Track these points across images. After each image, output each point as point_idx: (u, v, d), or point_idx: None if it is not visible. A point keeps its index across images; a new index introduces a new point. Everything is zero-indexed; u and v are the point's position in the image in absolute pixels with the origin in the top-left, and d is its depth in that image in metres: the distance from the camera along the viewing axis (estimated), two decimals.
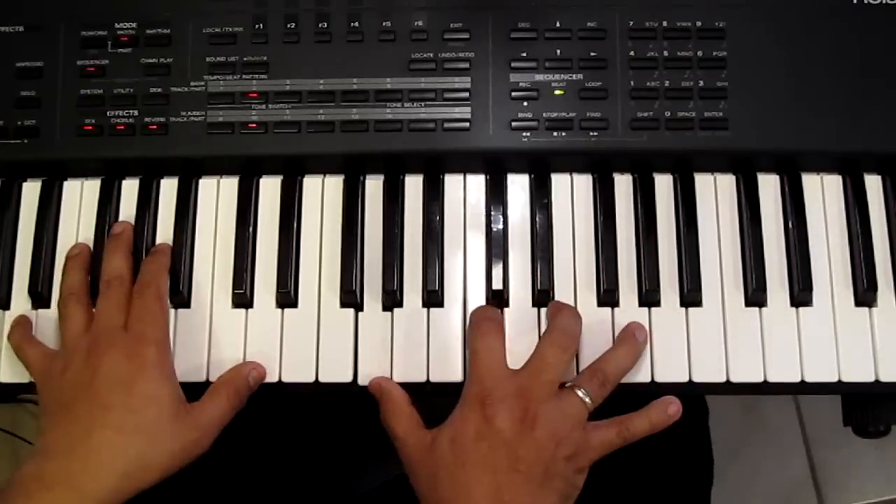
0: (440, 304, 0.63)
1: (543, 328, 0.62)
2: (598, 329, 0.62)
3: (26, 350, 0.61)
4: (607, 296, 0.62)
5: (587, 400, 0.57)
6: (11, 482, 0.54)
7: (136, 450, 0.55)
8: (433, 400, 0.60)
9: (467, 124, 0.63)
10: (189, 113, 0.64)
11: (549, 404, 0.56)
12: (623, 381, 0.60)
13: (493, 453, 0.54)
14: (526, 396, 0.55)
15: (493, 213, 0.64)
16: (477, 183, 0.65)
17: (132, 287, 0.61)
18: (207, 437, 0.58)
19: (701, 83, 0.63)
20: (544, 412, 0.55)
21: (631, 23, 0.63)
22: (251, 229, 0.64)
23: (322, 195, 0.65)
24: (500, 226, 0.64)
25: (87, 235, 0.65)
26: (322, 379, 0.62)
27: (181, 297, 0.63)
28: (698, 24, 0.63)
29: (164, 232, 0.65)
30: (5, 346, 0.63)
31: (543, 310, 0.62)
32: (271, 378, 0.62)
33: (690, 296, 0.62)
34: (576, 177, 0.65)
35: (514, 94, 0.63)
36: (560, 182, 0.65)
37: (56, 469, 0.54)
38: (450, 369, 0.62)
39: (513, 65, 0.63)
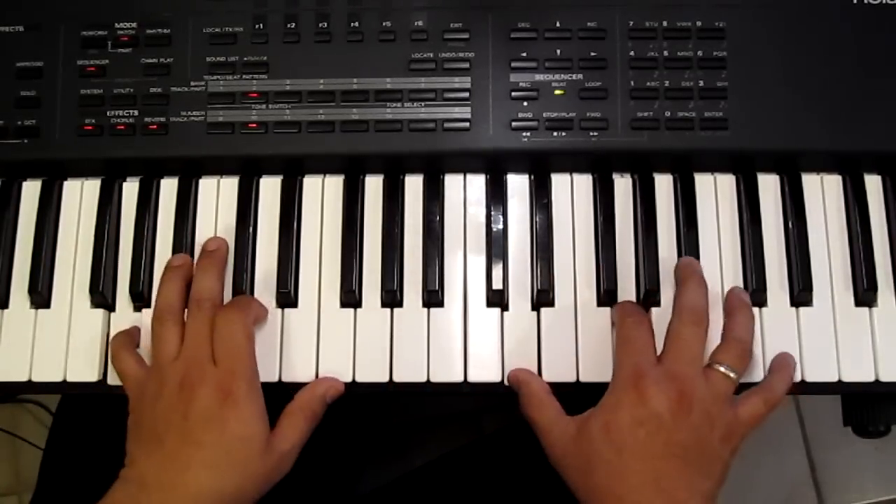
0: (440, 304, 0.63)
1: (543, 328, 0.62)
2: (596, 329, 0.62)
3: (123, 360, 0.60)
4: (607, 296, 0.62)
5: (732, 375, 0.56)
6: None
7: (230, 485, 0.55)
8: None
9: (467, 124, 0.63)
10: (189, 113, 0.64)
11: (701, 385, 0.55)
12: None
13: (651, 439, 0.53)
14: (679, 378, 0.54)
15: (493, 213, 0.64)
16: (477, 183, 0.65)
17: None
18: (290, 462, 0.58)
19: (701, 83, 0.63)
20: (698, 394, 0.54)
21: (631, 23, 0.63)
22: (251, 229, 0.64)
23: (322, 195, 0.65)
24: (500, 226, 0.64)
25: (87, 235, 0.65)
26: None
27: None
28: (698, 24, 0.63)
29: (164, 232, 0.65)
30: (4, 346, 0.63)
31: (543, 310, 0.62)
32: (271, 378, 0.62)
33: None
34: (576, 177, 0.65)
35: (514, 94, 0.63)
36: (560, 182, 0.65)
37: (153, 499, 0.54)
38: (450, 369, 0.62)
39: (513, 65, 0.63)
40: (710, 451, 0.54)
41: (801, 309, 0.62)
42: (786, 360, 0.60)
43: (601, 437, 0.54)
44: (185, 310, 0.61)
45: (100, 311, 0.64)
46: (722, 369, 0.57)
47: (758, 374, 0.61)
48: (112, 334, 0.62)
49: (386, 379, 0.62)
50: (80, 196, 0.66)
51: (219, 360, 0.57)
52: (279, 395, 0.62)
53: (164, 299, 0.61)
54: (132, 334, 0.62)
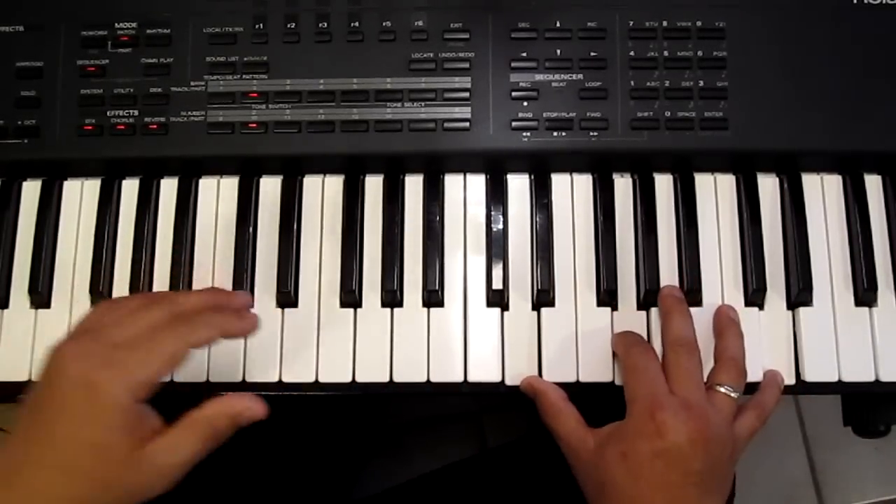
0: (440, 304, 0.63)
1: (543, 328, 0.62)
2: (596, 329, 0.62)
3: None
4: (607, 296, 0.62)
5: (733, 395, 0.57)
6: None
7: (82, 494, 0.48)
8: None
9: (467, 124, 0.63)
10: (189, 113, 0.64)
11: (710, 411, 0.56)
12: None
13: (669, 470, 0.53)
14: (693, 408, 0.55)
15: (493, 213, 0.64)
16: (477, 183, 0.65)
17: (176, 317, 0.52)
18: (168, 481, 0.50)
19: (701, 83, 0.63)
20: (711, 420, 0.55)
21: (631, 23, 0.63)
22: (251, 229, 0.64)
23: (322, 195, 0.65)
24: (500, 226, 0.64)
25: (87, 235, 0.65)
26: (322, 379, 0.62)
27: None
28: (698, 24, 0.63)
29: (164, 232, 0.65)
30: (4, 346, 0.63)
31: (543, 311, 0.62)
32: (271, 378, 0.62)
33: (691, 296, 0.62)
34: (576, 177, 0.65)
35: (514, 94, 0.63)
36: (560, 182, 0.65)
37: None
38: (450, 369, 0.62)
39: (513, 65, 0.63)
40: (721, 472, 0.56)
41: (801, 309, 0.62)
42: (774, 376, 0.61)
43: (617, 464, 0.55)
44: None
45: None
46: (723, 390, 0.58)
47: (757, 375, 0.61)
48: None
49: (386, 379, 0.62)
50: (80, 196, 0.66)
51: (121, 346, 0.49)
52: (279, 394, 0.62)
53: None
54: None
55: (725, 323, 0.61)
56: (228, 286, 0.63)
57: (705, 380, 0.59)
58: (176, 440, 0.50)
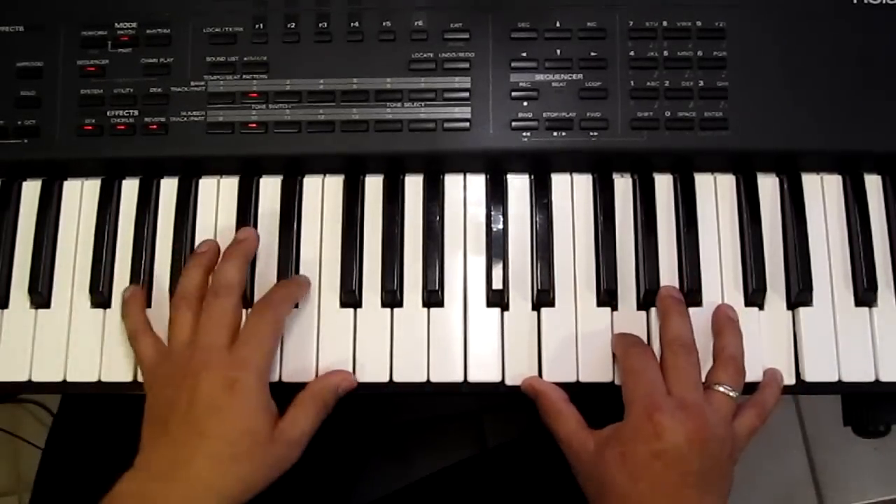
0: (440, 304, 0.63)
1: (543, 328, 0.62)
2: (596, 330, 0.62)
3: (140, 342, 0.60)
4: (607, 296, 0.62)
5: (732, 394, 0.58)
6: (112, 496, 0.54)
7: (233, 476, 0.55)
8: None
9: (467, 124, 0.63)
10: (189, 113, 0.64)
11: (708, 410, 0.56)
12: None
13: (668, 471, 0.54)
14: (690, 408, 0.55)
15: (493, 213, 0.64)
16: (477, 183, 0.65)
17: (240, 299, 0.60)
18: (298, 451, 0.58)
19: (701, 83, 0.63)
20: (709, 420, 0.55)
21: (631, 23, 0.63)
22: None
23: (322, 195, 0.65)
24: (500, 226, 0.64)
25: (87, 235, 0.65)
26: None
27: None
28: (698, 24, 0.63)
29: (164, 232, 0.65)
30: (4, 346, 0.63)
31: (543, 311, 0.62)
32: (271, 378, 0.62)
33: (691, 296, 0.62)
34: (576, 177, 0.65)
35: (514, 94, 0.63)
36: (560, 182, 0.65)
37: (158, 491, 0.54)
38: (450, 369, 0.62)
39: (513, 65, 0.63)
40: (720, 471, 0.56)
41: (801, 309, 0.62)
42: (774, 375, 0.61)
43: (617, 465, 0.55)
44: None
45: (100, 311, 0.64)
46: (722, 389, 0.58)
47: (757, 375, 0.61)
48: (123, 305, 0.62)
49: (386, 379, 0.62)
50: (80, 196, 0.66)
51: (235, 347, 0.58)
52: (279, 395, 0.62)
53: (183, 285, 0.61)
54: (142, 305, 0.62)
55: (724, 322, 0.61)
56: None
57: (704, 379, 0.59)
58: (297, 415, 0.58)
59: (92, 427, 0.75)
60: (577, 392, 0.61)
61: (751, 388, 0.61)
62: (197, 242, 0.64)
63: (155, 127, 0.64)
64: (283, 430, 0.57)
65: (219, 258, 0.62)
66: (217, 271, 0.61)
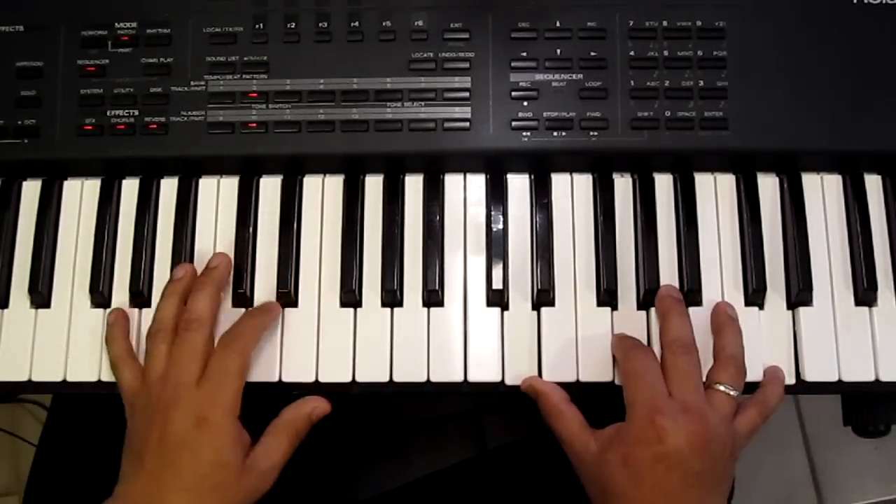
0: (440, 304, 0.63)
1: (543, 328, 0.62)
2: (596, 329, 0.62)
3: (121, 370, 0.61)
4: (607, 296, 0.62)
5: (732, 393, 0.58)
6: None
7: None
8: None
9: (467, 124, 0.63)
10: (189, 113, 0.64)
11: (709, 411, 0.56)
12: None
13: (670, 473, 0.54)
14: (692, 410, 0.55)
15: (493, 213, 0.64)
16: (477, 183, 0.65)
17: (211, 332, 0.60)
18: (271, 481, 0.58)
19: (701, 83, 0.63)
20: (711, 422, 0.55)
21: (631, 23, 0.63)
22: (251, 229, 0.64)
23: (322, 195, 0.65)
24: (500, 226, 0.64)
25: (87, 235, 0.65)
26: (322, 379, 0.62)
27: None
28: (698, 24, 0.63)
29: (164, 232, 0.65)
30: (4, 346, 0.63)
31: (543, 310, 0.62)
32: (271, 378, 0.62)
33: (691, 296, 0.62)
34: (576, 177, 0.65)
35: (514, 93, 0.63)
36: (560, 182, 0.65)
37: None
38: (450, 369, 0.62)
39: (513, 65, 0.63)
40: (721, 471, 0.56)
41: (802, 309, 0.62)
42: (776, 372, 0.61)
43: (619, 468, 0.55)
44: None
45: (100, 311, 0.64)
46: (722, 389, 0.58)
47: (757, 374, 0.61)
48: (107, 330, 0.62)
49: (386, 379, 0.62)
50: (80, 196, 0.66)
51: (203, 383, 0.57)
52: (279, 395, 0.62)
53: (159, 315, 0.61)
54: (126, 331, 0.62)
55: (723, 320, 0.61)
56: (229, 286, 0.63)
57: (704, 378, 0.59)
58: (270, 446, 0.58)
59: (84, 426, 0.75)
60: (577, 392, 0.61)
61: (751, 388, 0.61)
62: (197, 242, 0.64)
63: (155, 127, 0.64)
64: (255, 460, 0.57)
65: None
66: (190, 302, 0.61)
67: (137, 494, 0.56)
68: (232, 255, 0.64)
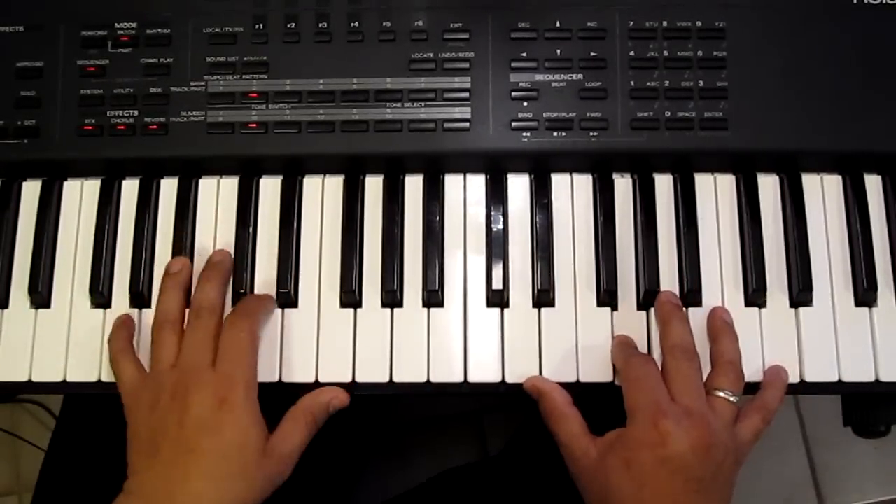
0: (440, 304, 0.63)
1: (543, 328, 0.62)
2: (597, 330, 0.62)
3: (121, 365, 0.60)
4: (607, 296, 0.62)
5: (732, 399, 0.58)
6: None
7: (230, 494, 0.55)
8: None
9: (467, 124, 0.63)
10: (189, 113, 0.64)
11: (712, 416, 0.56)
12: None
13: (672, 478, 0.54)
14: (694, 415, 0.55)
15: (493, 213, 0.64)
16: (477, 183, 0.65)
17: (221, 319, 0.60)
18: (290, 466, 0.58)
19: (701, 83, 0.63)
20: (712, 426, 0.55)
21: (631, 23, 0.63)
22: (251, 229, 0.64)
23: (322, 195, 0.65)
24: (500, 226, 0.64)
25: (87, 235, 0.65)
26: (322, 379, 0.62)
27: None
28: (698, 24, 0.63)
29: (164, 232, 0.65)
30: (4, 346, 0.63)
31: (543, 311, 0.62)
32: (271, 378, 0.62)
33: (691, 296, 0.62)
34: (576, 177, 0.65)
35: (514, 94, 0.63)
36: (560, 182, 0.65)
37: None
38: (450, 369, 0.62)
39: (513, 65, 0.63)
40: (723, 477, 0.55)
41: (801, 309, 0.62)
42: (778, 374, 0.61)
43: (621, 472, 0.55)
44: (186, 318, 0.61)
45: (100, 311, 0.64)
46: (722, 395, 0.58)
47: (757, 376, 0.61)
48: (110, 332, 0.62)
49: (386, 379, 0.62)
50: (80, 196, 0.66)
51: (218, 365, 0.58)
52: (278, 395, 0.62)
53: (164, 307, 0.61)
54: (130, 333, 0.62)
55: (720, 326, 0.61)
56: (228, 286, 0.63)
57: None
58: (288, 431, 0.58)
59: (96, 430, 0.75)
60: (577, 392, 0.61)
61: (751, 388, 0.61)
62: (197, 243, 0.64)
63: (155, 127, 0.64)
64: (274, 445, 0.57)
65: (190, 274, 0.63)
66: (198, 292, 0.61)
67: (156, 484, 0.55)
68: (232, 255, 0.64)
